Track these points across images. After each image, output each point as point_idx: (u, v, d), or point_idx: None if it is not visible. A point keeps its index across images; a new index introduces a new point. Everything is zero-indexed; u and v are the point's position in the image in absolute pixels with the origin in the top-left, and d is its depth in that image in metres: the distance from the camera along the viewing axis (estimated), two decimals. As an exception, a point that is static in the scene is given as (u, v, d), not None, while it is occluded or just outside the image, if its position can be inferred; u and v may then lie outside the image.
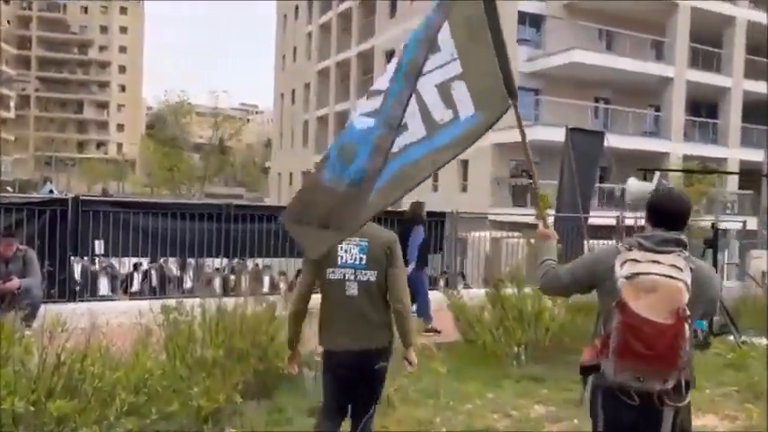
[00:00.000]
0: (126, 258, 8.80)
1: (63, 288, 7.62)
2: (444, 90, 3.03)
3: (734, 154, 30.59)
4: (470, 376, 6.37)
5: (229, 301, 5.73)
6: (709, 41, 30.53)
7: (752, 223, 17.31)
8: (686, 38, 29.74)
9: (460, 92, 3.03)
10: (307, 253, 3.44)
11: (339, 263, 3.58)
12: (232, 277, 9.24)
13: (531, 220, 15.45)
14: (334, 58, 45.25)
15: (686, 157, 28.34)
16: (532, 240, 10.08)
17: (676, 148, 29.22)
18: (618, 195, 27.13)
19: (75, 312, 6.39)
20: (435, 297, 8.58)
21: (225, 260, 9.14)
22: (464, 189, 30.54)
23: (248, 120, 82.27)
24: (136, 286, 11.98)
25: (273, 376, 5.54)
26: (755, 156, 28.95)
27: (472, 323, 7.10)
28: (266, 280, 13.23)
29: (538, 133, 23.14)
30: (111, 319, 5.44)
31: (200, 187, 49.47)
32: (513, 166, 28.80)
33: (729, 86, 31.13)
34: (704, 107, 32.09)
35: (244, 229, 8.80)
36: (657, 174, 10.23)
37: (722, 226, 12.53)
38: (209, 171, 50.24)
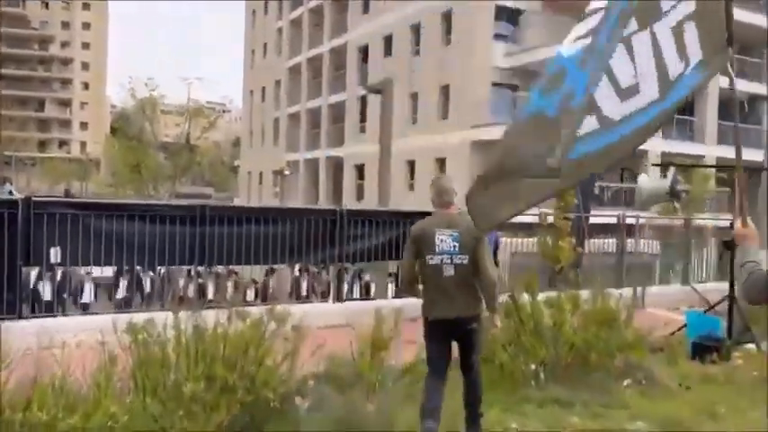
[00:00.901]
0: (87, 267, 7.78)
1: (12, 303, 6.64)
2: (678, 34, 2.69)
3: (711, 151, 30.46)
4: (485, 400, 5.57)
5: (208, 316, 4.84)
6: (686, 38, 30.32)
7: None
8: (664, 34, 29.48)
9: (691, 35, 2.66)
10: (478, 224, 3.79)
11: (437, 250, 4.42)
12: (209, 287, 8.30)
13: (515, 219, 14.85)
14: (305, 54, 44.28)
15: (664, 155, 28.07)
16: (533, 240, 9.31)
17: (654, 145, 28.84)
18: (597, 193, 26.79)
19: (24, 332, 5.46)
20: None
21: (200, 268, 8.25)
22: (441, 188, 29.89)
23: (223, 111, 79.76)
24: (121, 294, 10.68)
25: (262, 409, 4.69)
26: (733, 153, 28.75)
27: (482, 337, 6.29)
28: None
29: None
30: (69, 338, 4.54)
31: (170, 186, 47.60)
32: (492, 164, 28.20)
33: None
34: (681, 104, 31.88)
35: (221, 233, 7.91)
36: (672, 169, 9.67)
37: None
38: (177, 169, 48.38)
